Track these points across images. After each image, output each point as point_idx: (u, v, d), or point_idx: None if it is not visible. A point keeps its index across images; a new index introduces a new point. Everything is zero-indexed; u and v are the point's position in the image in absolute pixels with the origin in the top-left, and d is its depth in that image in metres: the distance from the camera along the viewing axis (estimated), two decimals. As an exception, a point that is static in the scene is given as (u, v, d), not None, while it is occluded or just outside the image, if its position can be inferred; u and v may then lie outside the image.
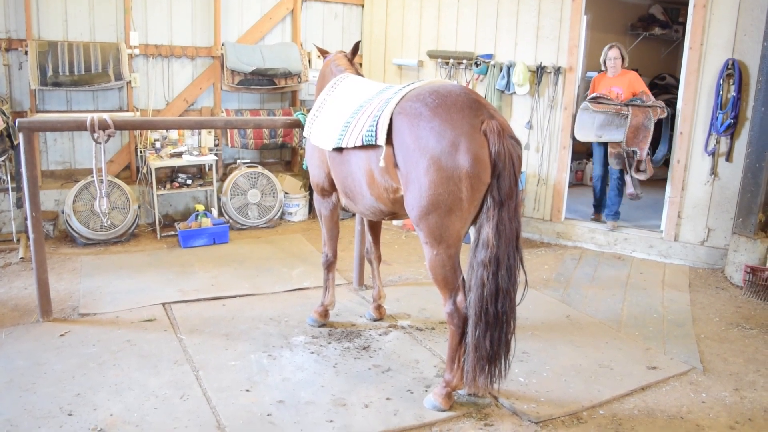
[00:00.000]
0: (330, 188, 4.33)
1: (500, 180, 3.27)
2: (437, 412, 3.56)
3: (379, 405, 3.64)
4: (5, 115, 5.90)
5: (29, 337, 4.43)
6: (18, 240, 6.41)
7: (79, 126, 4.59)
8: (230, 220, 7.18)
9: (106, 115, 4.62)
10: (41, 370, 3.96)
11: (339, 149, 3.91)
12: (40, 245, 4.71)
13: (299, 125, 4.95)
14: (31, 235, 4.69)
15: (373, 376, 3.99)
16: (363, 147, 3.68)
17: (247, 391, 3.77)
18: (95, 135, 4.59)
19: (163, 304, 5.06)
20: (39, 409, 3.52)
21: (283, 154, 8.33)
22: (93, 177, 4.97)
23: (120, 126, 4.71)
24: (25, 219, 6.59)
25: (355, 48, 4.90)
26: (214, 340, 4.45)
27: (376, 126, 3.52)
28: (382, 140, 3.49)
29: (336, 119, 3.99)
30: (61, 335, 4.48)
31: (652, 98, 6.67)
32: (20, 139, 4.48)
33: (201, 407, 3.58)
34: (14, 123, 5.30)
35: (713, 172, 6.24)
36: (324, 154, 4.16)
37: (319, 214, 4.59)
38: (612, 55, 6.84)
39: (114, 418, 3.45)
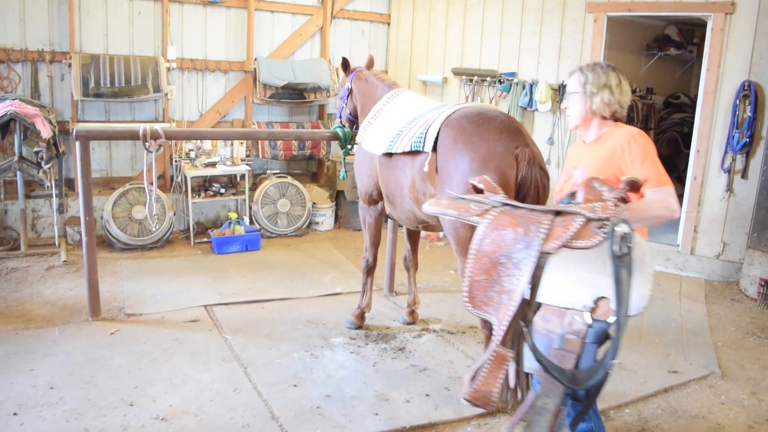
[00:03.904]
0: (378, 197, 4.61)
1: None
2: (474, 408, 3.79)
3: (419, 400, 3.88)
4: (52, 124, 6.19)
5: (82, 335, 4.69)
6: (59, 244, 6.68)
7: (133, 135, 4.88)
8: (260, 228, 7.44)
9: (157, 126, 4.91)
10: (98, 365, 4.22)
11: (388, 155, 4.21)
12: (92, 248, 4.98)
13: (338, 138, 5.23)
14: (83, 238, 4.96)
15: (411, 374, 4.23)
16: (410, 153, 3.98)
17: (295, 386, 4.02)
18: (147, 144, 4.88)
19: (205, 306, 5.31)
20: (102, 400, 3.77)
21: (310, 166, 8.61)
22: (144, 184, 5.23)
23: (170, 136, 5.00)
24: (65, 224, 6.91)
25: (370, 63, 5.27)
26: (258, 339, 4.70)
27: (426, 134, 3.84)
28: (429, 147, 3.80)
29: (389, 128, 4.29)
30: (112, 333, 4.74)
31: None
32: (77, 147, 4.76)
33: (253, 400, 3.83)
34: (72, 132, 5.56)
35: (729, 188, 6.48)
36: (374, 164, 4.45)
37: (363, 222, 4.86)
38: (568, 87, 3.07)
39: (173, 409, 3.70)
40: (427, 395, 3.96)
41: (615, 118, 2.90)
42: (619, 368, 4.44)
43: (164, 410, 3.68)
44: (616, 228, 2.21)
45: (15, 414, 3.59)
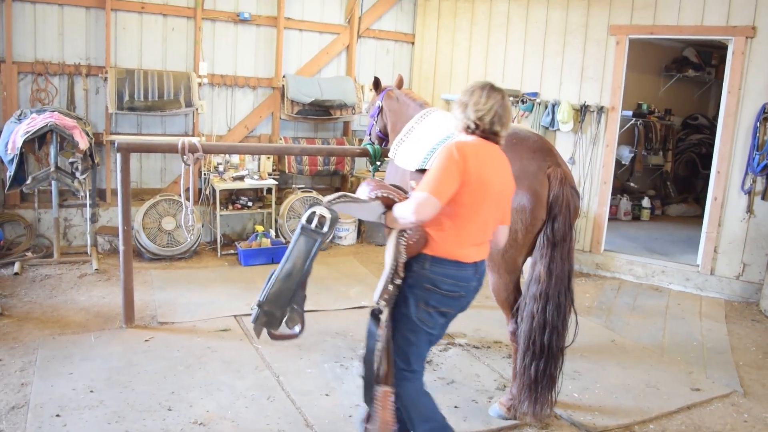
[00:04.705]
0: None
1: (555, 223, 3.63)
2: (502, 420, 3.90)
3: (448, 412, 3.96)
4: (89, 136, 6.38)
5: (117, 341, 4.83)
6: (90, 253, 6.85)
7: (171, 149, 5.04)
8: (286, 241, 7.57)
9: (195, 140, 5.08)
10: (135, 370, 4.35)
11: (422, 170, 4.34)
12: (129, 257, 5.14)
13: (368, 154, 5.38)
14: (120, 247, 5.12)
15: (439, 387, 4.34)
16: None
17: (327, 395, 4.14)
18: (185, 157, 5.03)
19: (235, 316, 5.45)
20: (140, 404, 3.90)
21: (333, 181, 8.77)
22: (180, 197, 5.39)
23: (207, 150, 5.16)
24: (96, 233, 7.08)
25: (400, 83, 5.40)
26: (288, 350, 4.82)
27: None
28: None
29: (423, 145, 4.42)
30: (146, 340, 4.88)
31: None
32: (118, 159, 4.92)
33: (287, 407, 3.95)
34: (113, 144, 5.71)
35: (749, 209, 6.57)
36: (406, 180, 4.57)
37: (393, 236, 5.00)
38: None
39: (211, 414, 3.83)
40: (455, 407, 4.06)
41: (480, 135, 3.05)
42: (643, 385, 4.53)
43: (202, 415, 3.81)
44: (310, 209, 3.17)
45: (58, 416, 3.73)
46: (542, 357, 3.69)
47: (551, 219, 3.64)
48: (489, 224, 3.06)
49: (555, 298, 3.65)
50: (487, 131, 3.02)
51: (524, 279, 3.94)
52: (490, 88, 3.04)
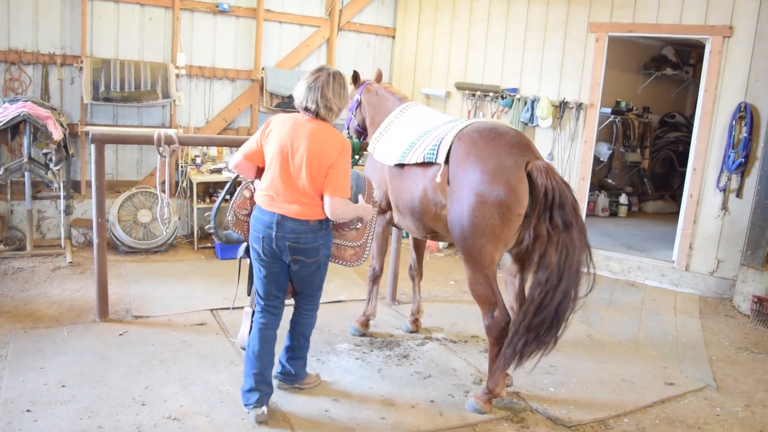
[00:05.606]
0: (386, 207, 4.71)
1: (555, 212, 3.55)
2: (478, 415, 3.90)
3: (424, 406, 3.99)
4: (63, 126, 6.28)
5: (90, 335, 4.76)
6: (64, 245, 6.74)
7: (147, 140, 4.96)
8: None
9: (171, 131, 5.01)
10: (108, 365, 4.29)
11: (400, 165, 4.32)
12: (103, 250, 5.06)
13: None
14: (95, 240, 5.04)
15: (416, 381, 4.34)
16: (423, 165, 4.10)
17: (303, 390, 4.11)
18: (161, 149, 4.96)
19: (211, 310, 5.39)
20: (113, 399, 3.84)
21: (312, 174, 8.71)
22: (156, 189, 5.32)
23: (184, 142, 5.09)
24: (70, 226, 6.98)
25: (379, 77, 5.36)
26: (264, 344, 4.78)
27: (439, 146, 3.97)
28: (441, 159, 3.93)
29: (402, 140, 4.41)
30: (120, 334, 4.81)
31: None
32: (92, 150, 4.84)
33: (263, 402, 3.91)
34: (87, 135, 5.61)
35: (724, 206, 6.65)
36: (384, 174, 4.56)
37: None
38: None
39: (185, 409, 3.78)
40: (432, 401, 4.06)
41: (302, 112, 3.63)
42: (618, 380, 4.57)
43: (176, 410, 3.76)
44: None
45: (28, 411, 3.65)
46: (553, 321, 3.67)
47: (548, 209, 3.58)
48: (287, 186, 3.50)
49: (573, 267, 3.57)
50: (301, 108, 3.59)
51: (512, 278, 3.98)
52: (314, 71, 3.58)
